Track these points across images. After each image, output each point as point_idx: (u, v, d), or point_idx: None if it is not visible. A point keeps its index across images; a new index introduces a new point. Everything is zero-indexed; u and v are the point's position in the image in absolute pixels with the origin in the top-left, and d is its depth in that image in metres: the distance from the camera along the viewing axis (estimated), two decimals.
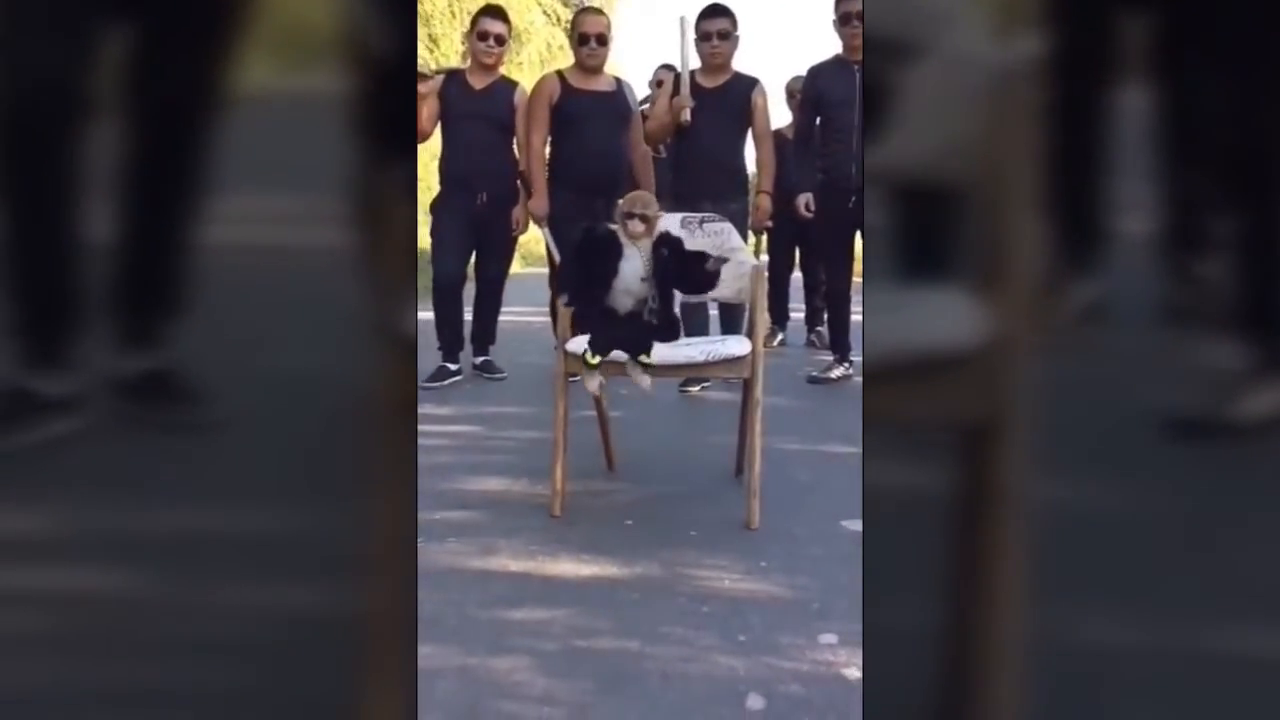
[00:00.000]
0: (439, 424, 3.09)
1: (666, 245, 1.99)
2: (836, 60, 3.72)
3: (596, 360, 1.98)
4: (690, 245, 2.50)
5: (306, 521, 1.41)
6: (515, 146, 3.77)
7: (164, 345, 1.79)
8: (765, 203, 3.72)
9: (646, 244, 1.94)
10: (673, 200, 3.56)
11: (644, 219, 1.94)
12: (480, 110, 3.73)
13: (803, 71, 3.97)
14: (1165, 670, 1.31)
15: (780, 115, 4.43)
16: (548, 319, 4.01)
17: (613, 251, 1.95)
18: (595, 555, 1.93)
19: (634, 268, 1.95)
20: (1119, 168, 2.20)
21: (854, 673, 1.44)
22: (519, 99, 3.75)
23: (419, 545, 1.98)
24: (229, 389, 1.69)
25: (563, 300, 2.04)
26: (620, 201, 1.99)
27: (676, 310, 2.00)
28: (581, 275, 1.99)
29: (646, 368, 1.98)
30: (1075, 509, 1.60)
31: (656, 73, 4.66)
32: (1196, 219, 2.18)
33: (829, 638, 1.55)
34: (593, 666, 1.46)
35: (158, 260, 1.79)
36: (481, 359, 3.96)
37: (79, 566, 1.35)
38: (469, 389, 3.71)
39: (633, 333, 1.98)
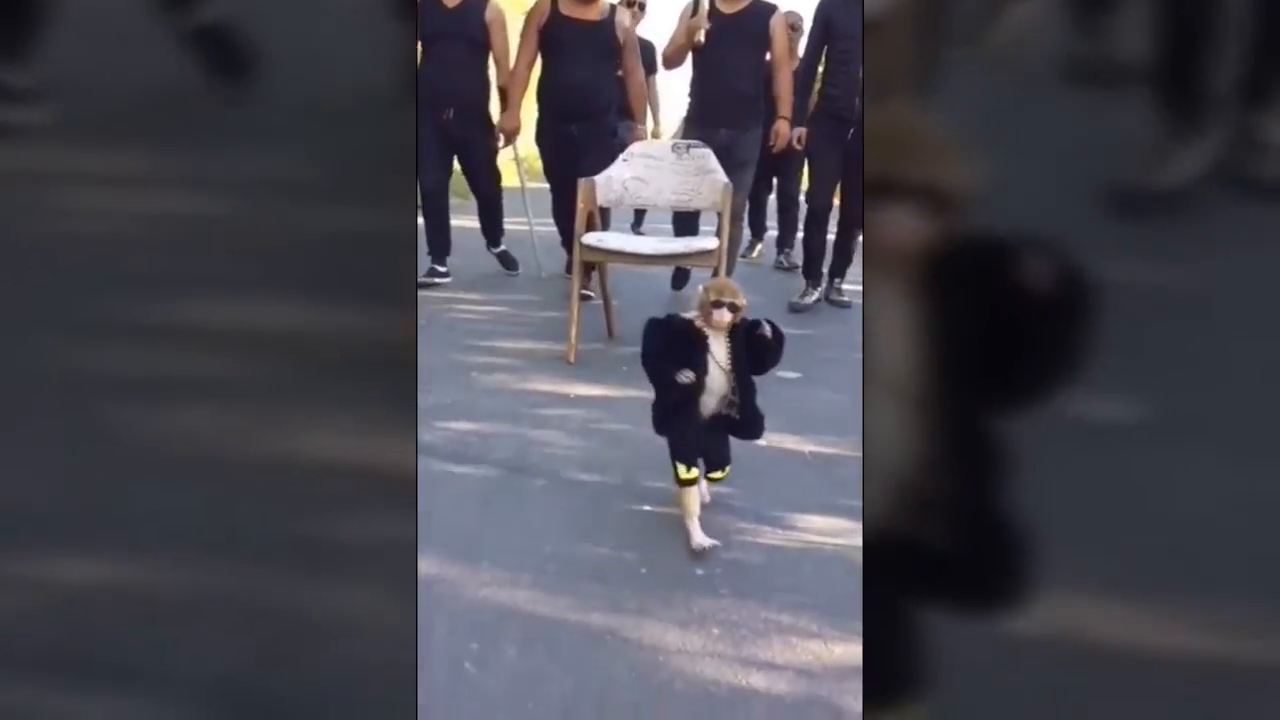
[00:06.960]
0: (474, 305, 3.87)
1: (749, 334, 1.78)
2: None
3: (692, 474, 1.80)
4: (677, 168, 3.26)
5: (337, 151, 1.82)
6: (492, 61, 3.90)
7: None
8: (784, 128, 3.83)
9: (728, 333, 1.78)
10: (690, 125, 3.82)
11: (733, 308, 1.75)
12: (450, 29, 3.80)
13: (798, 6, 4.13)
14: None
15: None
16: (544, 230, 4.58)
17: (697, 345, 1.77)
18: (600, 385, 2.73)
19: (718, 359, 1.78)
20: None
21: (809, 448, 2.26)
22: (490, 15, 3.83)
23: (474, 375, 2.77)
24: (271, 60, 2.03)
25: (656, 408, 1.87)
26: (703, 288, 1.79)
27: (758, 404, 1.84)
28: (667, 370, 1.78)
29: (716, 481, 1.88)
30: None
31: None
32: None
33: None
34: (604, 435, 2.29)
35: None
36: (498, 250, 4.48)
37: (163, 194, 1.78)
38: (493, 282, 4.44)
39: (716, 442, 1.84)
